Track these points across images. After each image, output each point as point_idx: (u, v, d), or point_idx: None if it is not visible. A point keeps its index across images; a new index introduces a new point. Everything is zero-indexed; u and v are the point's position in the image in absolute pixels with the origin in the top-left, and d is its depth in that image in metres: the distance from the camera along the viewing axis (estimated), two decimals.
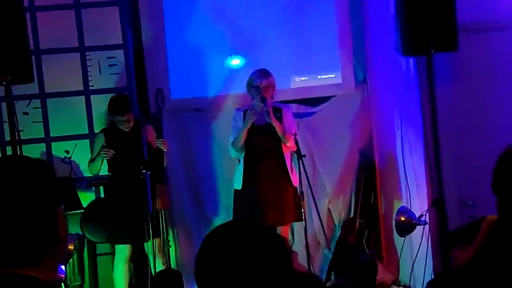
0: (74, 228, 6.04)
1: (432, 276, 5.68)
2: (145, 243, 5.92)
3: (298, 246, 6.71)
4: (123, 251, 5.98)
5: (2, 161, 1.80)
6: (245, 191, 5.87)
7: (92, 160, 5.90)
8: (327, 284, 6.37)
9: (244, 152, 5.88)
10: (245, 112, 5.90)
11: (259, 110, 5.86)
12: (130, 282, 6.05)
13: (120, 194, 5.88)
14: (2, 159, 1.83)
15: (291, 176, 5.96)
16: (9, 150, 5.76)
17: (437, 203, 5.50)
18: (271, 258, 1.77)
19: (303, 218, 6.08)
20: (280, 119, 5.95)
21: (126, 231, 5.87)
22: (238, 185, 5.91)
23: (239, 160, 5.96)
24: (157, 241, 5.93)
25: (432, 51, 5.31)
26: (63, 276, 5.81)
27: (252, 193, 5.85)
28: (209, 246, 1.81)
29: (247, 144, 5.86)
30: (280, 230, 5.91)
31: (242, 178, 5.86)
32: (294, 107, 6.89)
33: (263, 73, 5.94)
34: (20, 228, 1.70)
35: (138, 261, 6.11)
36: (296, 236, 6.77)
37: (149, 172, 5.76)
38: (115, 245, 6.06)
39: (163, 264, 6.05)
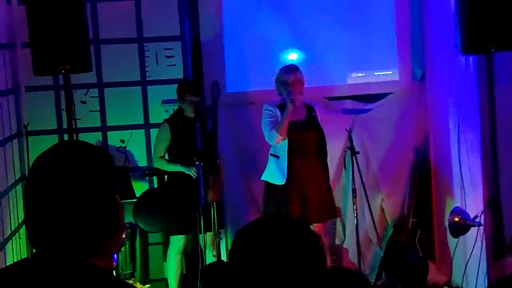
0: (127, 217, 6.11)
1: (486, 279, 5.60)
2: (199, 235, 5.95)
3: (350, 243, 6.67)
4: (177, 242, 6.02)
5: (61, 147, 1.80)
6: (283, 188, 5.82)
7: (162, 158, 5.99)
8: (377, 283, 6.32)
9: (283, 147, 5.82)
10: (279, 106, 5.85)
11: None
12: (181, 273, 6.09)
13: (181, 184, 5.92)
14: (60, 144, 1.81)
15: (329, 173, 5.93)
16: (66, 138, 5.83)
17: (492, 204, 5.41)
18: (304, 253, 1.75)
19: (338, 215, 6.15)
20: (315, 118, 5.90)
21: (181, 222, 5.91)
22: (280, 181, 5.84)
23: (276, 156, 5.90)
24: (209, 234, 5.95)
25: (493, 50, 5.23)
26: (115, 264, 5.89)
27: (291, 190, 5.80)
28: (242, 241, 1.80)
29: (288, 139, 5.81)
30: (316, 227, 5.88)
31: (285, 173, 5.81)
32: (350, 104, 6.85)
33: (292, 69, 5.90)
34: (85, 216, 1.70)
35: (191, 253, 6.15)
36: (348, 233, 6.73)
37: (202, 164, 5.79)
38: (170, 236, 6.09)
39: (213, 256, 6.08)
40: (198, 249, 5.99)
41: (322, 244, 1.68)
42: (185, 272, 6.19)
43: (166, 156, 6.03)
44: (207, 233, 5.96)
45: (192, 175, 5.85)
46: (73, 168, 1.72)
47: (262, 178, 6.00)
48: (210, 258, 6.05)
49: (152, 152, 6.16)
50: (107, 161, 1.79)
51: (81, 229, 1.70)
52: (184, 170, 5.89)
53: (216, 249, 6.11)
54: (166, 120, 6.05)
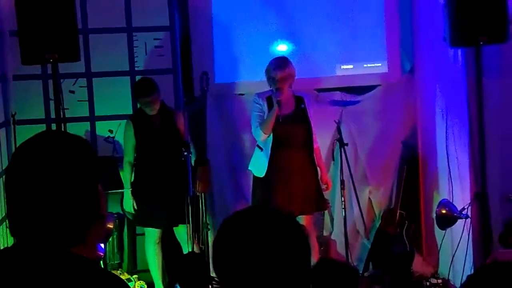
0: (115, 207, 6.09)
1: (472, 271, 5.62)
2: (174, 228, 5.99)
3: (337, 235, 6.69)
4: (152, 233, 6.02)
5: (42, 137, 1.79)
6: (267, 180, 5.83)
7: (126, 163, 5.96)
8: (365, 275, 6.35)
9: (268, 140, 5.82)
10: (267, 99, 5.85)
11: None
12: (162, 262, 6.08)
13: (148, 180, 5.91)
14: (41, 134, 1.81)
15: (317, 166, 5.94)
16: (54, 128, 5.81)
17: (479, 197, 5.44)
18: (288, 244, 1.75)
19: (326, 207, 6.18)
20: (304, 110, 5.89)
21: (153, 216, 5.91)
22: (260, 173, 5.87)
23: (260, 148, 5.91)
24: (183, 226, 5.94)
25: (481, 42, 5.24)
26: (102, 254, 5.88)
27: (275, 182, 5.81)
28: (226, 232, 1.79)
29: (273, 132, 5.81)
30: (304, 219, 5.89)
31: (266, 166, 5.82)
32: (339, 95, 6.85)
33: (280, 63, 5.85)
34: (66, 206, 1.70)
35: (167, 243, 6.14)
36: (336, 224, 6.74)
37: (190, 154, 5.79)
38: (144, 228, 6.10)
39: (200, 247, 6.07)
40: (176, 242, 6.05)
41: (307, 235, 1.67)
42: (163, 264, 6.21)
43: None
44: (181, 225, 5.94)
45: (126, 208, 5.93)
46: (53, 157, 1.72)
47: (249, 168, 6.01)
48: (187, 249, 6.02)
49: (123, 152, 6.08)
50: (88, 150, 1.79)
51: (62, 219, 1.70)
52: (126, 197, 5.92)
53: (204, 239, 6.11)
54: (130, 118, 6.01)
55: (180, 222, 5.94)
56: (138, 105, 6.05)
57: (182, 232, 6.00)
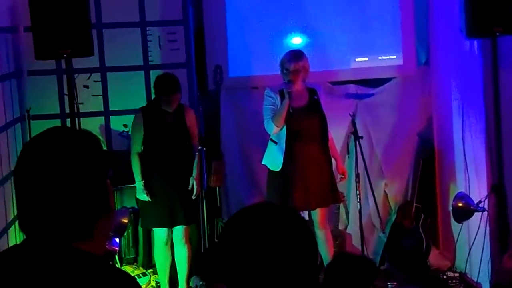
0: (130, 202, 6.09)
1: (489, 264, 5.59)
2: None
3: (353, 229, 6.66)
4: (160, 234, 5.94)
5: (49, 134, 1.79)
6: (284, 174, 5.80)
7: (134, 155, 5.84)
8: (381, 268, 6.32)
9: (282, 133, 5.80)
10: (280, 92, 5.82)
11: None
12: (170, 264, 6.00)
13: (153, 178, 5.81)
14: (48, 131, 1.80)
15: (332, 157, 5.93)
16: (68, 123, 5.82)
17: (496, 189, 5.40)
18: (294, 240, 1.74)
19: (341, 200, 6.16)
20: (318, 102, 5.86)
21: (157, 215, 5.83)
22: (276, 167, 5.84)
23: (275, 142, 5.88)
24: (181, 227, 5.88)
25: (498, 33, 5.19)
26: (117, 249, 5.88)
27: (292, 176, 5.78)
28: (230, 229, 1.78)
29: (287, 125, 5.78)
30: (319, 212, 5.86)
31: (282, 160, 5.79)
32: (353, 88, 6.82)
33: (295, 56, 5.83)
34: (72, 200, 1.70)
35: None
36: (351, 218, 6.72)
37: (204, 149, 5.76)
38: (153, 229, 6.03)
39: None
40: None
41: (312, 231, 1.67)
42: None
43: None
44: (180, 226, 5.88)
45: (141, 198, 5.78)
46: (61, 152, 1.72)
47: (262, 163, 5.99)
48: (181, 251, 5.96)
49: (131, 145, 5.95)
50: (95, 144, 1.78)
51: (70, 214, 1.70)
52: (138, 189, 5.79)
53: (217, 235, 6.10)
54: (141, 109, 5.88)
55: (180, 223, 5.86)
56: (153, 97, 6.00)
57: (178, 233, 5.92)
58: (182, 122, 5.84)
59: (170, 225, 5.87)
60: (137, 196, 5.81)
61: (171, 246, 5.99)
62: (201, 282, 5.95)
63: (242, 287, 1.73)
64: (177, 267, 6.00)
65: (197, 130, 5.98)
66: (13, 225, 5.43)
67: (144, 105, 6.02)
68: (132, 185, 5.97)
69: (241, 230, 1.75)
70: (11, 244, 5.19)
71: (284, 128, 5.77)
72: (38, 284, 1.66)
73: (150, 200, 5.76)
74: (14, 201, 5.38)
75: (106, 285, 1.68)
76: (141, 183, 5.76)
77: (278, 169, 5.81)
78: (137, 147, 5.82)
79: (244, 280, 1.72)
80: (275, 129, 5.77)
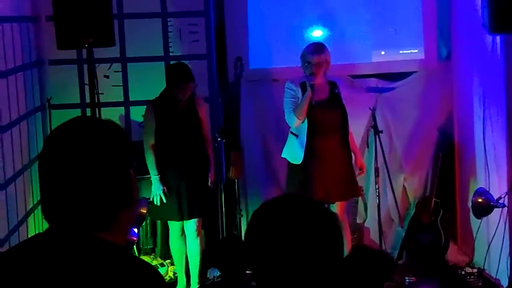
0: (148, 193, 6.11)
1: (508, 261, 5.56)
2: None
3: (371, 223, 6.65)
4: (175, 226, 5.95)
5: (75, 123, 1.79)
6: (304, 167, 5.78)
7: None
8: (399, 263, 6.30)
9: (303, 126, 5.78)
10: (301, 85, 5.80)
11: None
12: (186, 255, 6.01)
13: (166, 171, 5.79)
14: (73, 121, 1.81)
15: (351, 152, 5.91)
16: (88, 112, 5.84)
17: None
18: (322, 233, 1.73)
19: (360, 194, 6.17)
20: (339, 95, 5.83)
21: (170, 208, 5.81)
22: (297, 160, 5.82)
23: (295, 135, 5.86)
24: (194, 220, 5.88)
25: None
26: (135, 239, 5.90)
27: (312, 169, 5.77)
28: (258, 221, 1.78)
29: (308, 118, 5.76)
30: (338, 206, 5.85)
31: (303, 153, 5.77)
32: (374, 82, 6.79)
33: (317, 48, 5.80)
34: (96, 190, 1.71)
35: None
36: (369, 212, 6.70)
37: (224, 140, 5.76)
38: (168, 221, 6.02)
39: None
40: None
41: (340, 224, 1.66)
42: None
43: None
44: (193, 219, 5.87)
45: (155, 196, 5.75)
46: (86, 142, 1.73)
47: (282, 155, 5.98)
48: (193, 244, 5.96)
49: (143, 138, 5.89)
50: (121, 135, 1.79)
51: (93, 203, 1.71)
52: (154, 183, 5.76)
53: (236, 226, 6.11)
54: (150, 102, 5.84)
55: (193, 216, 5.85)
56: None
57: (191, 226, 5.92)
58: (194, 112, 5.82)
59: (180, 218, 5.85)
60: (153, 191, 5.80)
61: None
62: (218, 273, 5.96)
63: (269, 277, 1.73)
64: (189, 261, 6.01)
65: (208, 120, 5.96)
66: (33, 214, 5.46)
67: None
68: (150, 176, 5.98)
69: (269, 222, 1.76)
70: (31, 232, 5.23)
71: (306, 121, 5.76)
72: (61, 273, 1.66)
73: (166, 195, 5.74)
74: (34, 190, 5.42)
75: (128, 275, 1.68)
76: (157, 177, 5.76)
77: (299, 162, 5.79)
78: (150, 139, 5.78)
79: (271, 270, 1.72)
80: (297, 122, 5.76)
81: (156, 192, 5.77)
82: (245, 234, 1.82)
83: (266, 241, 1.74)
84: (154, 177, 5.77)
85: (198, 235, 5.92)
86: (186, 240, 5.98)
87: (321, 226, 1.75)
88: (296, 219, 1.74)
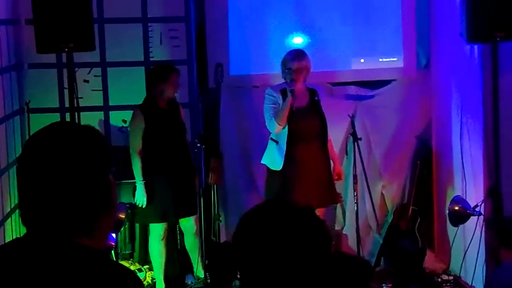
0: (127, 198, 6.10)
1: (484, 268, 5.60)
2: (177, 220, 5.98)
3: (349, 229, 6.67)
4: (157, 229, 5.96)
5: (53, 128, 1.80)
6: (284, 173, 5.80)
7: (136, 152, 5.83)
8: (376, 270, 6.32)
9: (283, 133, 5.80)
10: (282, 91, 5.83)
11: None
12: (166, 259, 6.03)
13: (156, 173, 5.82)
14: (52, 126, 1.81)
15: (330, 159, 5.94)
16: (67, 117, 5.82)
17: (493, 194, 5.40)
18: (310, 239, 1.75)
19: (338, 201, 6.19)
20: (318, 103, 5.87)
21: (156, 210, 5.85)
22: (277, 166, 5.84)
23: (275, 141, 5.88)
24: (194, 218, 5.96)
25: (498, 39, 5.19)
26: (113, 244, 5.88)
27: (292, 175, 5.79)
28: (246, 225, 1.79)
29: (288, 125, 5.78)
30: (317, 212, 5.87)
31: (282, 160, 5.79)
32: (353, 89, 6.83)
33: (297, 55, 5.85)
34: (75, 195, 1.71)
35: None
36: (347, 219, 6.73)
37: (203, 146, 5.77)
38: (150, 224, 6.05)
39: (213, 238, 6.07)
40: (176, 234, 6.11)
41: (328, 230, 1.68)
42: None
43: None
44: (190, 218, 5.95)
45: (139, 201, 5.79)
46: (64, 147, 1.72)
47: (262, 162, 5.99)
48: (193, 241, 6.06)
49: (130, 143, 5.91)
50: (99, 140, 1.79)
51: (72, 208, 1.70)
52: (138, 188, 5.79)
53: (215, 231, 6.11)
54: (138, 107, 5.88)
55: (187, 214, 5.92)
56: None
57: (188, 224, 5.98)
58: (178, 115, 5.91)
59: (163, 219, 5.89)
60: (136, 197, 5.82)
61: (181, 239, 6.09)
62: (194, 280, 5.99)
63: (256, 282, 1.74)
64: (190, 256, 6.10)
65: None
66: (10, 217, 5.43)
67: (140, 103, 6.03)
68: (129, 181, 5.98)
69: (256, 228, 1.77)
70: (8, 236, 5.20)
71: (286, 128, 5.78)
72: (40, 278, 1.66)
73: (148, 200, 5.78)
74: (11, 193, 5.39)
75: (107, 280, 1.68)
76: (142, 183, 5.78)
77: (279, 169, 5.81)
78: (138, 144, 5.81)
79: (259, 274, 1.73)
80: (278, 128, 5.78)
81: (140, 198, 5.79)
82: (233, 238, 1.83)
83: (254, 246, 1.75)
84: (139, 183, 5.79)
85: (196, 234, 5.99)
86: (165, 247, 5.98)
87: (310, 231, 1.76)
88: (285, 225, 1.76)
